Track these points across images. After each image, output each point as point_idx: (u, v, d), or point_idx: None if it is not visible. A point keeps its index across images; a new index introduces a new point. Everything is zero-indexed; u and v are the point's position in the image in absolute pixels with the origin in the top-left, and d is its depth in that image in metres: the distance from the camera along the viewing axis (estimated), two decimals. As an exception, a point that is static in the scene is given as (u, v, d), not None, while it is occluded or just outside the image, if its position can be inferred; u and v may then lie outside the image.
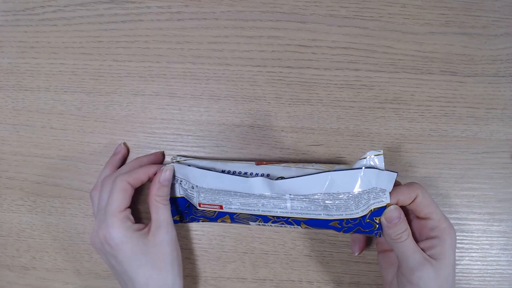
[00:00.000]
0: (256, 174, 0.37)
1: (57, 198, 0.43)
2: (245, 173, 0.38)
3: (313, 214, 0.36)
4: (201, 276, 0.43)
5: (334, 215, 0.35)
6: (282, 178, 0.36)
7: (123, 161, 0.42)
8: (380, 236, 0.37)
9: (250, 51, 0.42)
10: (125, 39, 0.42)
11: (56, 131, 0.43)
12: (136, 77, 0.42)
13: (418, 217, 0.36)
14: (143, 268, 0.35)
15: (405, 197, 0.35)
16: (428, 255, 0.35)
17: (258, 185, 0.36)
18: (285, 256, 0.43)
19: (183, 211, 0.40)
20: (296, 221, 0.37)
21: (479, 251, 0.43)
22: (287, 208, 0.36)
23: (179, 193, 0.39)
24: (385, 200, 0.35)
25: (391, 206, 0.35)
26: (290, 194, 0.36)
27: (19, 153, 0.43)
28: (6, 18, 0.43)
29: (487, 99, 0.42)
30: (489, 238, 0.43)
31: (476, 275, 0.43)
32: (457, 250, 0.40)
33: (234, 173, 0.38)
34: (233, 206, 0.37)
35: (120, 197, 0.36)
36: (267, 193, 0.36)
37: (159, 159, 0.42)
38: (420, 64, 0.42)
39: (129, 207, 0.37)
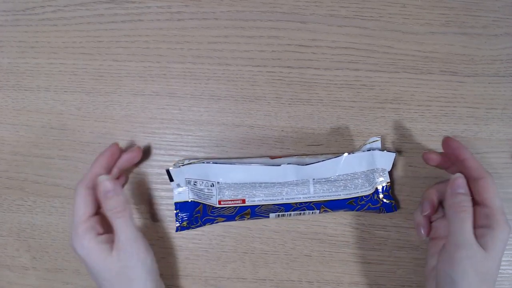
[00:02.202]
0: (277, 165, 0.40)
1: (57, 198, 0.43)
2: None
3: (333, 195, 0.40)
4: (201, 276, 0.43)
5: (352, 193, 0.40)
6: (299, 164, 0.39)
7: (111, 161, 0.38)
8: (383, 212, 0.40)
9: (250, 51, 0.42)
10: (125, 39, 0.42)
11: (56, 131, 0.43)
12: (136, 77, 0.42)
13: (476, 203, 0.35)
14: (106, 283, 0.33)
15: (474, 172, 0.35)
16: (479, 243, 0.34)
17: (288, 171, 0.39)
18: (285, 256, 0.43)
19: (192, 216, 0.39)
20: (317, 205, 0.40)
21: (479, 251, 0.43)
22: (310, 193, 0.39)
23: (188, 197, 0.39)
24: (386, 178, 0.40)
25: (457, 174, 0.36)
26: (314, 178, 0.39)
27: (19, 153, 0.43)
28: (6, 18, 0.43)
29: (487, 99, 0.42)
30: (489, 238, 0.43)
31: (476, 275, 0.43)
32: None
33: None
34: (257, 198, 0.39)
35: (80, 205, 0.34)
36: (293, 180, 0.39)
37: (117, 153, 0.38)
38: (420, 64, 0.42)
39: (96, 214, 0.35)
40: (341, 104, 0.42)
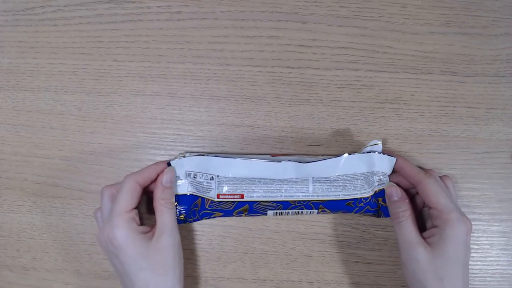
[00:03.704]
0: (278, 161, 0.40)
1: (57, 199, 0.43)
2: None
3: (332, 195, 0.39)
4: (201, 276, 0.43)
5: (351, 194, 0.39)
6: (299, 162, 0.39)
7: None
8: (382, 216, 0.40)
9: (250, 51, 0.42)
10: (125, 39, 0.42)
11: (56, 131, 0.43)
12: (136, 77, 0.42)
13: (426, 205, 0.38)
14: (143, 272, 0.35)
15: (405, 182, 0.39)
16: (427, 242, 0.36)
17: (288, 168, 0.39)
18: (285, 256, 0.43)
19: (189, 209, 0.39)
20: (315, 204, 0.40)
21: (480, 251, 0.43)
22: (309, 191, 0.39)
23: (187, 190, 0.39)
24: (386, 183, 0.40)
25: (389, 183, 0.39)
26: (313, 177, 0.39)
27: (19, 154, 0.43)
28: (6, 18, 0.43)
29: (487, 99, 0.42)
30: (489, 238, 0.43)
31: (476, 275, 0.43)
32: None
33: None
34: (255, 194, 0.39)
35: (127, 197, 0.36)
36: (293, 177, 0.39)
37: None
38: (420, 64, 0.42)
39: (136, 208, 0.37)
40: (341, 104, 0.42)
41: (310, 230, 0.43)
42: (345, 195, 0.40)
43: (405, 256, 0.36)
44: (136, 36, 0.42)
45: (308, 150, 0.42)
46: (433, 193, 0.36)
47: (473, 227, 0.42)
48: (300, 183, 0.39)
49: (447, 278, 0.35)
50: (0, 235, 0.43)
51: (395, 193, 0.38)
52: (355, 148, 0.42)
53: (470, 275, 0.43)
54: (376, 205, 0.40)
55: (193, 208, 0.39)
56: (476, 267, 0.43)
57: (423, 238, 0.36)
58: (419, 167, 0.39)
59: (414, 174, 0.38)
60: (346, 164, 0.39)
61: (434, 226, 0.36)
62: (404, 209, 0.37)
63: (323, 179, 0.40)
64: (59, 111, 0.43)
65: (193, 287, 0.43)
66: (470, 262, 0.43)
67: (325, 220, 0.43)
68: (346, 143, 0.42)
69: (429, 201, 0.37)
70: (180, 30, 0.42)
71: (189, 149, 0.42)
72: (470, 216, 0.42)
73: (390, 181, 0.40)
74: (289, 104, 0.42)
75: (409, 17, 0.42)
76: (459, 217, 0.35)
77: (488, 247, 0.43)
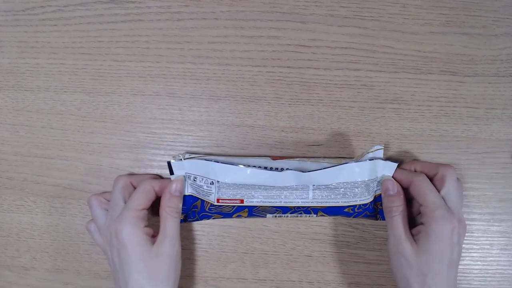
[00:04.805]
0: (276, 168, 0.39)
1: (57, 198, 0.43)
2: (265, 167, 0.39)
3: (332, 201, 0.39)
4: (201, 276, 0.43)
5: (351, 201, 0.39)
6: (301, 171, 0.39)
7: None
8: (379, 219, 0.41)
9: (250, 51, 0.42)
10: (125, 39, 0.42)
11: (56, 131, 0.43)
12: (136, 77, 0.42)
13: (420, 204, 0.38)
14: (139, 275, 0.35)
15: (401, 181, 0.39)
16: (414, 239, 0.36)
17: (289, 177, 0.38)
18: (286, 256, 0.43)
19: (189, 209, 0.40)
20: (314, 210, 0.40)
21: (480, 251, 0.43)
22: (309, 198, 0.39)
23: (186, 191, 0.39)
24: None
25: (387, 176, 0.39)
26: (314, 184, 0.39)
27: (19, 153, 0.43)
28: (6, 18, 0.43)
29: (487, 99, 0.42)
30: (490, 238, 0.43)
31: (476, 275, 0.43)
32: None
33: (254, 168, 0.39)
34: (255, 199, 0.39)
35: (142, 196, 0.37)
36: (293, 184, 0.39)
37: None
38: (420, 64, 0.42)
39: (147, 209, 0.37)
40: (341, 104, 0.42)
41: (310, 230, 0.43)
42: (345, 202, 0.39)
43: (393, 251, 0.37)
44: (136, 36, 0.42)
45: (309, 150, 0.42)
46: (422, 190, 0.37)
47: (473, 227, 0.42)
48: (300, 189, 0.39)
49: (430, 274, 0.35)
50: (0, 235, 0.43)
51: (391, 187, 0.38)
52: (355, 148, 0.42)
53: (470, 275, 0.43)
54: (374, 210, 0.40)
55: (192, 209, 0.39)
56: (476, 267, 0.43)
57: (412, 235, 0.37)
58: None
59: (404, 177, 0.39)
60: (348, 172, 0.39)
61: (422, 224, 0.37)
62: (398, 204, 0.38)
63: (323, 187, 0.39)
64: (59, 111, 0.43)
65: (193, 287, 0.43)
66: (470, 262, 0.43)
67: (325, 220, 0.43)
68: (346, 143, 0.42)
69: (419, 199, 0.37)
70: (180, 30, 0.42)
71: (189, 149, 0.42)
72: (470, 216, 0.42)
73: None
74: (289, 104, 0.42)
75: (409, 17, 0.42)
76: (444, 214, 0.35)
77: (488, 247, 0.43)
